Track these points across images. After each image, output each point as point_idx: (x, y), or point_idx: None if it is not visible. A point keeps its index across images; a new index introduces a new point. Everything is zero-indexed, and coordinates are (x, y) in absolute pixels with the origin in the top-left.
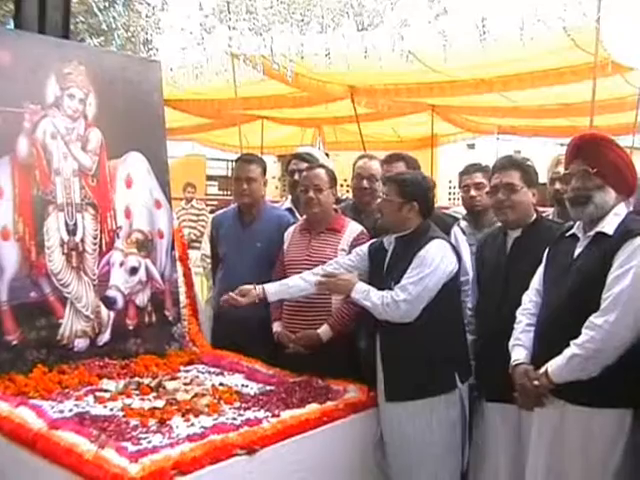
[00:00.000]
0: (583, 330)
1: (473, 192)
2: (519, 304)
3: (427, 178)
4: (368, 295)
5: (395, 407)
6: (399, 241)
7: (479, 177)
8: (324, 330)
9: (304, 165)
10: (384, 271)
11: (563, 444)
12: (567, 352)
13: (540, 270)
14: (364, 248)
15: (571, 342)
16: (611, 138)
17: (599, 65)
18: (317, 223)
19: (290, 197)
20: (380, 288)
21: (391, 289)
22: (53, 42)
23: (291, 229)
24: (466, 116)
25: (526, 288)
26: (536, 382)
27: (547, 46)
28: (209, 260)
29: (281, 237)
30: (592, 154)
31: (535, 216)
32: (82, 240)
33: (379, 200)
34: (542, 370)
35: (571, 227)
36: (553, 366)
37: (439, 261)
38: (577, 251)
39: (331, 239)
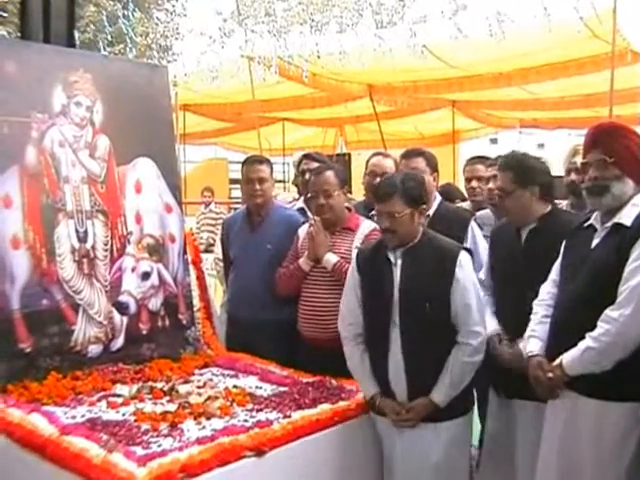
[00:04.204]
0: (599, 323)
1: (474, 183)
2: (534, 295)
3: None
4: (449, 377)
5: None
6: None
7: (481, 170)
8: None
9: (315, 164)
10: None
11: (575, 437)
12: (582, 345)
13: (557, 262)
14: None
15: (586, 335)
16: (630, 127)
17: (618, 54)
18: (330, 225)
19: (302, 197)
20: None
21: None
22: (58, 51)
23: (306, 227)
24: (487, 111)
25: (544, 280)
26: (550, 374)
27: (565, 37)
28: (222, 264)
29: (291, 238)
30: (610, 143)
31: (549, 208)
32: (93, 247)
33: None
34: (556, 362)
35: (588, 218)
36: (567, 358)
37: (474, 280)
38: (594, 242)
39: (346, 238)
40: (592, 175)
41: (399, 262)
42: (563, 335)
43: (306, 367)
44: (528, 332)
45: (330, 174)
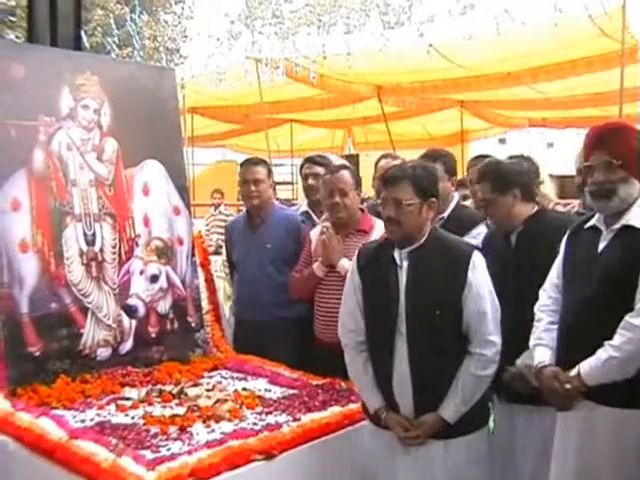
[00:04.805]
0: (619, 331)
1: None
2: (531, 298)
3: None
4: (460, 391)
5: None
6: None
7: None
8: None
9: (318, 168)
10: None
11: (593, 448)
12: (602, 354)
13: (557, 265)
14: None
15: (606, 343)
16: (633, 126)
17: (628, 52)
18: (344, 226)
19: (307, 201)
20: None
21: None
22: (65, 54)
23: (317, 229)
24: (495, 110)
25: (535, 280)
26: (568, 385)
27: (574, 35)
28: None
29: (291, 237)
30: (615, 144)
31: (535, 209)
32: (101, 250)
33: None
34: (573, 372)
35: (589, 218)
36: (586, 368)
37: (489, 285)
38: (601, 245)
39: (359, 240)
40: (598, 179)
41: (405, 263)
42: (574, 342)
43: (324, 370)
44: (534, 340)
45: (346, 173)
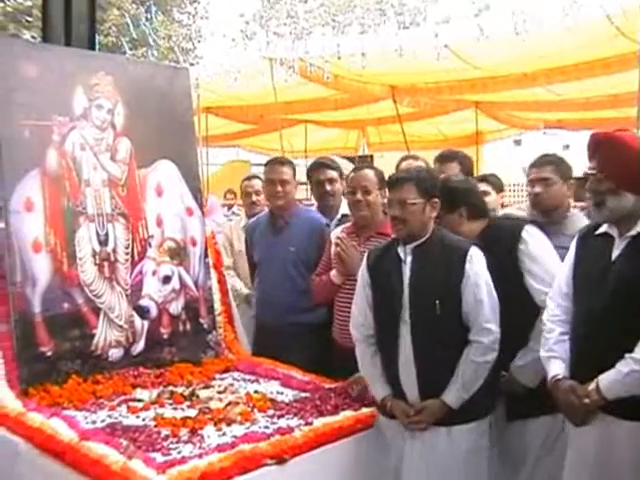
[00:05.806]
0: None
1: (538, 189)
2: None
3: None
4: (461, 377)
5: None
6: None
7: (547, 171)
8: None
9: (332, 172)
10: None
11: (613, 462)
12: (623, 367)
13: (565, 272)
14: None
15: (627, 356)
16: (626, 136)
17: None
18: (365, 227)
19: (316, 204)
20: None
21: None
22: (79, 54)
23: (337, 231)
24: (511, 112)
25: (501, 288)
26: (587, 400)
27: (591, 36)
28: (227, 271)
29: (315, 240)
30: (601, 157)
31: (485, 222)
32: (114, 250)
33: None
34: (592, 386)
35: (599, 224)
36: (605, 382)
37: (486, 277)
38: (615, 253)
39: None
40: (590, 187)
41: (409, 259)
42: (587, 354)
43: (342, 374)
44: (546, 352)
45: (370, 172)
